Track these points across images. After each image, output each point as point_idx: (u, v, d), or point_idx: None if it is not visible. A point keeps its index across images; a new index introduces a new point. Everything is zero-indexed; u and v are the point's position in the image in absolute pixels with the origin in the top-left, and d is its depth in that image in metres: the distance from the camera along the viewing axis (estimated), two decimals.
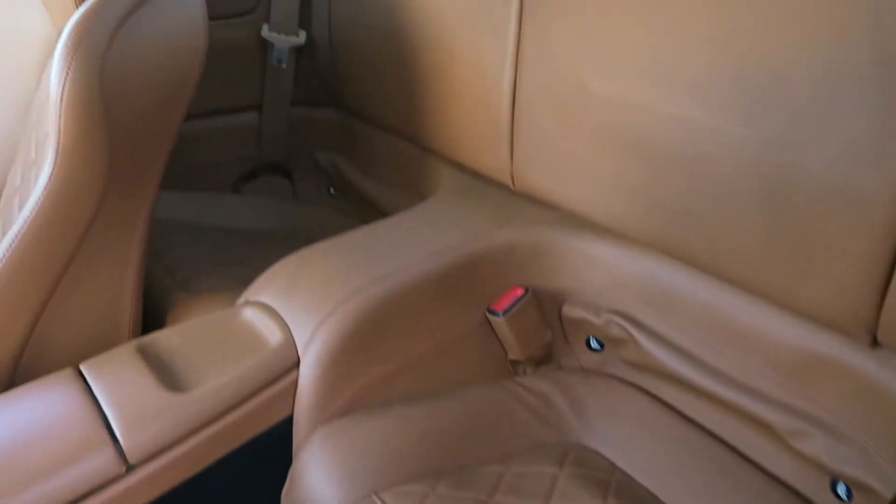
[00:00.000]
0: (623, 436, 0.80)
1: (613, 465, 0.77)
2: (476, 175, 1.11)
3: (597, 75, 0.81)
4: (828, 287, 0.68)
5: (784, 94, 0.65)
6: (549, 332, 0.93)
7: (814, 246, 0.67)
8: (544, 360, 0.94)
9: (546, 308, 0.93)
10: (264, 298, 0.84)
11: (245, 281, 0.92)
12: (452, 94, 1.04)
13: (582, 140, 0.85)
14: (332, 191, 1.45)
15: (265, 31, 1.30)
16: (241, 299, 0.87)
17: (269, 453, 0.77)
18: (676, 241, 0.80)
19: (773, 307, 0.76)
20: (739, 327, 0.79)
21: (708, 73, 0.71)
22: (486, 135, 1.00)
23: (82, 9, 0.75)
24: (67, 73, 0.73)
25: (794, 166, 0.66)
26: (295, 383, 0.77)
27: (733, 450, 0.78)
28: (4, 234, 0.98)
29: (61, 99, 0.73)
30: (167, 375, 0.74)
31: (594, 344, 0.92)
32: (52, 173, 0.76)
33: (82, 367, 0.75)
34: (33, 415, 0.69)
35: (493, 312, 0.89)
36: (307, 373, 0.77)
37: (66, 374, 0.74)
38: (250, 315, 0.83)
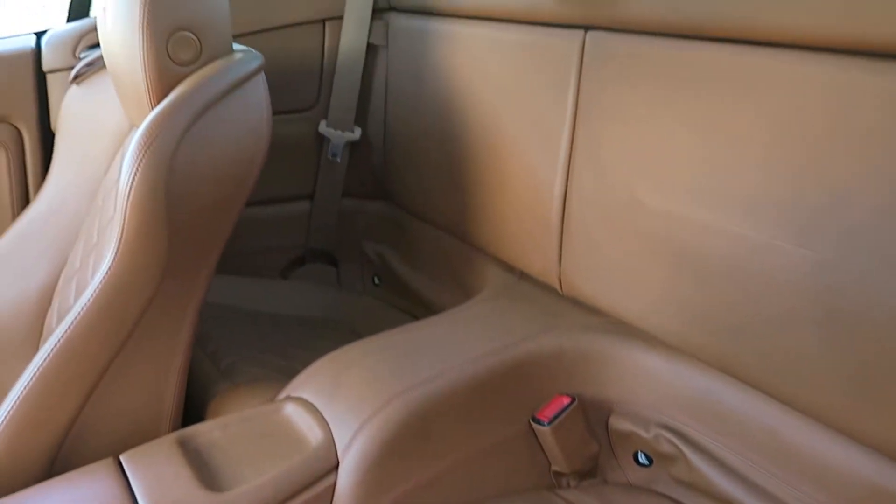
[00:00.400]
0: None
1: None
2: (523, 275, 1.10)
3: (648, 187, 0.82)
4: (893, 416, 0.64)
5: (841, 216, 0.64)
6: (596, 444, 0.90)
7: (877, 372, 0.64)
8: (590, 473, 0.90)
9: (592, 418, 0.90)
10: (306, 395, 0.84)
11: (288, 372, 0.92)
12: (503, 196, 1.05)
13: (632, 249, 0.85)
14: (376, 280, 1.47)
15: (322, 127, 1.35)
16: (283, 394, 0.87)
17: None
18: (729, 357, 0.77)
19: (835, 434, 0.72)
20: (798, 453, 0.74)
21: (762, 191, 0.70)
22: (535, 237, 1.00)
23: (157, 109, 0.79)
24: (138, 169, 0.76)
25: (854, 288, 0.64)
26: (333, 487, 0.75)
27: None
28: (61, 316, 1.01)
29: (129, 192, 0.76)
30: (205, 472, 0.73)
31: (643, 459, 0.88)
32: (112, 262, 0.78)
33: (122, 459, 0.75)
34: None
35: (538, 421, 0.86)
36: (345, 477, 0.75)
37: (106, 465, 0.74)
38: (291, 412, 0.82)
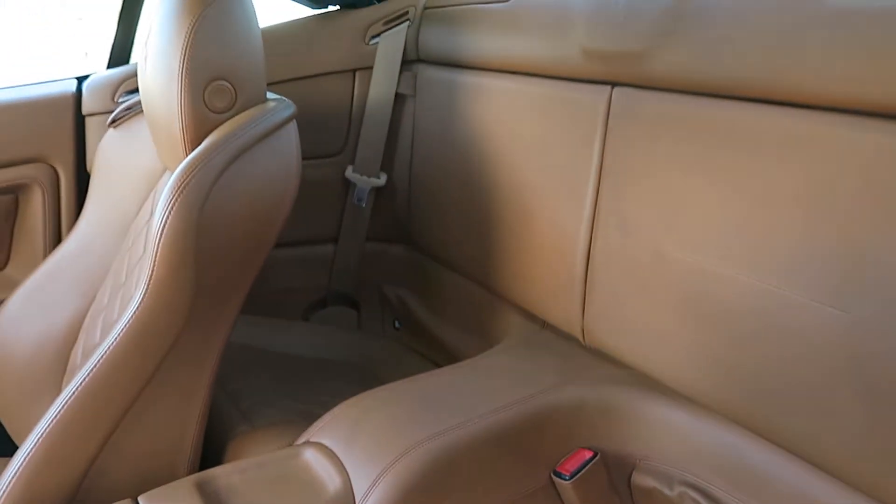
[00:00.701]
0: None
1: None
2: (545, 325, 1.10)
3: (675, 243, 0.82)
4: None
5: (877, 278, 0.63)
6: (618, 500, 0.88)
7: None
8: None
9: (615, 474, 0.88)
10: (325, 441, 0.83)
11: (307, 416, 0.92)
12: (526, 246, 1.06)
13: (657, 303, 0.84)
14: (397, 324, 1.47)
15: (349, 172, 1.38)
16: (302, 438, 0.86)
17: None
18: (759, 417, 0.76)
19: (868, 501, 0.69)
20: None
21: (794, 251, 0.70)
22: (559, 288, 1.00)
23: (192, 155, 0.81)
24: (170, 211, 0.78)
25: (892, 353, 0.62)
26: None
27: None
28: (86, 353, 1.02)
29: (161, 233, 0.78)
30: None
31: None
32: (140, 301, 0.79)
33: (141, 500, 0.74)
34: None
35: (559, 475, 0.84)
36: None
37: None
38: (309, 457, 0.82)
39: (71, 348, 1.08)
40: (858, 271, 0.65)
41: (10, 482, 0.78)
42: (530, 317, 1.13)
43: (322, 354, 1.28)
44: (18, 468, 0.78)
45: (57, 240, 1.28)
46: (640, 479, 0.86)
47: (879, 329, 0.63)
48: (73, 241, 1.14)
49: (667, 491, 0.83)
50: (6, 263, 1.29)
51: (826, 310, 0.67)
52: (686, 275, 0.81)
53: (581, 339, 0.99)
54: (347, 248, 1.43)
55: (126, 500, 0.75)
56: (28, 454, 0.78)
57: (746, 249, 0.74)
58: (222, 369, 1.13)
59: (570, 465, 0.85)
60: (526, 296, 1.08)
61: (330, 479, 0.78)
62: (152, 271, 0.79)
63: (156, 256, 0.78)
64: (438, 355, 1.34)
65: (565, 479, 0.84)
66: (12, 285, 1.19)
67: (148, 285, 0.79)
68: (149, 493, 0.76)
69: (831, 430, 0.69)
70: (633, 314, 0.88)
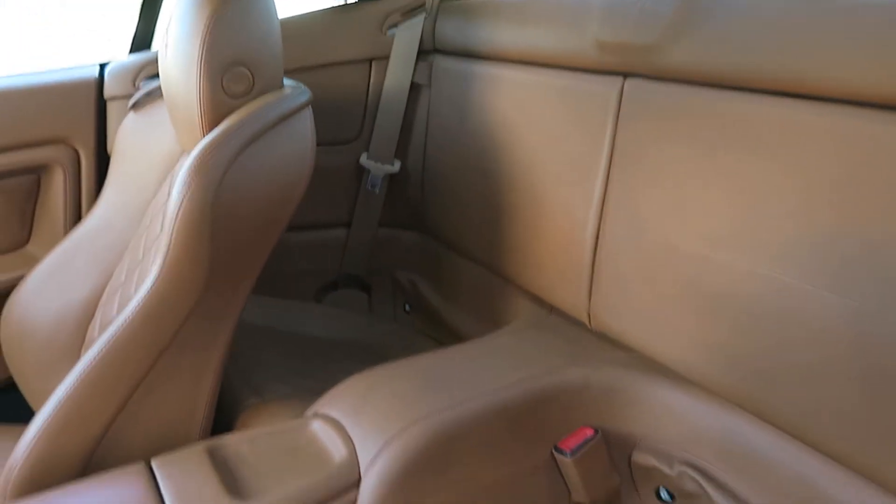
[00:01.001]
0: None
1: None
2: (553, 310, 1.11)
3: (681, 234, 0.83)
4: None
5: (875, 264, 0.65)
6: (617, 478, 0.89)
7: None
8: None
9: (615, 452, 0.90)
10: (333, 413, 0.85)
11: (316, 391, 0.94)
12: (537, 232, 1.07)
13: (663, 289, 0.86)
14: (407, 308, 1.49)
15: (363, 159, 1.40)
16: (310, 411, 0.89)
17: None
18: (760, 401, 0.77)
19: (867, 485, 0.70)
20: (826, 500, 0.73)
21: (800, 239, 0.71)
22: (567, 273, 1.01)
23: (209, 137, 0.84)
24: (187, 192, 0.80)
25: (892, 338, 0.63)
26: (355, 502, 0.76)
27: None
28: (103, 328, 1.05)
29: (178, 213, 0.81)
30: (231, 481, 0.75)
31: (664, 495, 0.87)
32: (157, 278, 0.82)
33: (153, 463, 0.77)
34: None
35: (561, 451, 0.86)
36: (367, 494, 0.76)
37: (137, 470, 0.76)
38: (317, 428, 0.84)
39: (89, 323, 1.11)
40: (859, 259, 0.66)
41: (30, 445, 0.81)
42: (538, 301, 1.14)
43: (333, 335, 1.31)
44: (38, 432, 0.81)
45: (77, 219, 1.32)
46: (640, 458, 0.88)
47: (878, 314, 0.64)
48: (93, 220, 1.17)
49: (666, 469, 0.85)
50: (27, 241, 1.33)
51: (827, 296, 0.68)
52: (692, 262, 0.82)
53: (587, 323, 1.00)
54: (360, 233, 1.45)
55: (139, 463, 0.77)
56: (47, 419, 0.81)
57: (752, 238, 0.75)
58: (235, 347, 1.16)
59: (572, 442, 0.86)
60: (535, 281, 1.10)
61: (336, 449, 0.80)
62: (168, 248, 0.81)
63: (172, 234, 0.81)
64: (448, 339, 1.36)
65: (566, 456, 0.85)
66: (33, 262, 1.22)
67: (164, 262, 0.81)
68: (161, 456, 0.78)
69: (830, 413, 0.70)
70: (639, 299, 0.90)
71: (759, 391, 0.76)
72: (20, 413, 1.11)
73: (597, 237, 0.96)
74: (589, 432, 0.88)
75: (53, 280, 1.13)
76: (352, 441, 0.80)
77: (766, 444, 0.79)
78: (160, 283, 0.82)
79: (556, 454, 0.87)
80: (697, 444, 0.85)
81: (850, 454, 0.69)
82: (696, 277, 0.82)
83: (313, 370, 1.12)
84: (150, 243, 1.02)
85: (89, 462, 0.83)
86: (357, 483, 0.76)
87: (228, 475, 0.76)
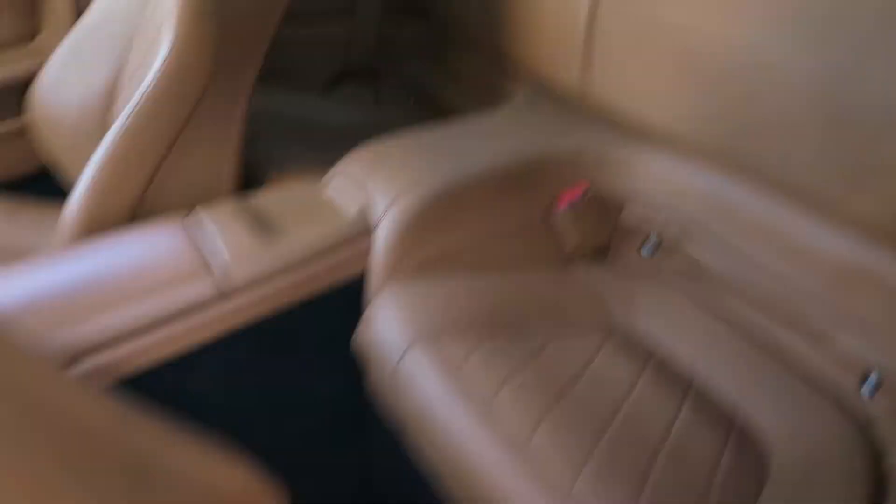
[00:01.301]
0: (665, 327, 0.86)
1: (654, 349, 0.83)
2: (551, 92, 1.16)
3: (670, 5, 0.87)
4: (880, 200, 0.71)
5: (851, 25, 0.69)
6: (606, 232, 0.99)
7: (870, 164, 0.70)
8: (599, 258, 1.00)
9: (606, 212, 0.98)
10: (348, 175, 0.93)
11: (331, 164, 1.01)
12: (535, 14, 1.10)
13: (652, 60, 0.91)
14: (413, 98, 1.53)
15: None
16: (328, 175, 0.96)
17: (345, 304, 0.86)
18: (738, 151, 0.84)
19: (823, 220, 0.79)
20: (790, 232, 0.83)
21: (778, 5, 0.75)
22: (562, 49, 1.05)
23: None
24: None
25: (859, 91, 0.70)
26: (370, 246, 0.85)
27: (769, 347, 0.83)
28: (126, 103, 1.10)
29: None
30: (260, 227, 0.84)
31: (648, 250, 0.97)
32: (168, 54, 0.86)
33: (189, 215, 0.86)
34: (146, 248, 0.81)
35: (556, 205, 0.94)
36: (382, 237, 0.85)
37: (175, 218, 0.85)
38: (335, 186, 0.92)
39: (112, 108, 1.16)
40: (834, 21, 0.71)
41: (77, 206, 0.89)
42: (537, 86, 1.18)
43: (342, 121, 1.36)
44: (83, 195, 0.89)
45: (85, 5, 1.32)
46: (629, 215, 0.97)
47: (851, 69, 0.70)
48: (96, 13, 1.18)
49: (653, 218, 0.94)
50: (39, 31, 1.34)
51: (802, 56, 0.73)
52: (675, 31, 0.87)
53: (582, 98, 1.05)
54: (364, 23, 1.45)
55: (177, 214, 0.86)
56: (91, 178, 0.89)
57: (730, 6, 0.79)
58: (251, 129, 1.21)
59: (566, 198, 0.94)
60: (534, 61, 1.13)
61: (353, 203, 0.88)
62: (175, 29, 0.84)
63: (177, 14, 0.84)
64: None
65: (561, 210, 0.94)
66: (48, 52, 1.25)
67: (172, 40, 0.85)
68: (196, 208, 0.87)
69: (801, 152, 0.77)
70: (630, 72, 0.95)
71: (738, 141, 0.84)
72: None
73: (591, 16, 0.99)
74: (582, 187, 0.95)
75: (68, 71, 1.17)
76: (367, 196, 0.88)
77: (740, 194, 0.88)
78: (171, 59, 0.86)
79: (551, 208, 0.95)
80: (683, 197, 0.93)
81: (818, 191, 0.77)
82: (679, 45, 0.87)
83: (327, 149, 1.18)
84: (158, 26, 1.04)
85: (133, 218, 0.92)
86: (373, 230, 0.86)
87: (257, 222, 0.85)
